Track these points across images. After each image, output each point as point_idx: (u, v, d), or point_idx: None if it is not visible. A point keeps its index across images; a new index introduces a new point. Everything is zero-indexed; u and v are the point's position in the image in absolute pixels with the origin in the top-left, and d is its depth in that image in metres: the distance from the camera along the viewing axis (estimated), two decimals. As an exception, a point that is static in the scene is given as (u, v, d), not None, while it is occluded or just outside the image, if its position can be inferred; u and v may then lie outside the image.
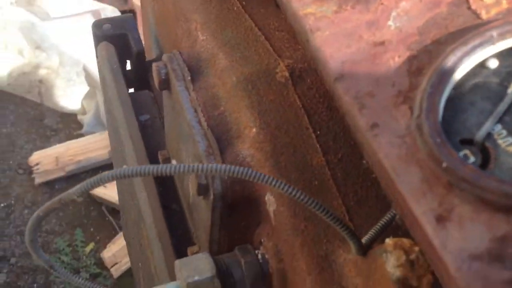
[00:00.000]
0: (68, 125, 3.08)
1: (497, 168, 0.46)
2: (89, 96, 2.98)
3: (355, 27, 0.57)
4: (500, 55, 0.51)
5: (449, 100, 0.51)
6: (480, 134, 0.47)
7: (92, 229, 2.78)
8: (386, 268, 0.55)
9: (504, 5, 0.54)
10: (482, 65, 0.52)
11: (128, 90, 1.08)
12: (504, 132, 0.47)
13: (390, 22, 0.56)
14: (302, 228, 0.68)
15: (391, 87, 0.53)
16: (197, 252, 0.84)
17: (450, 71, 0.50)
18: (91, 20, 2.32)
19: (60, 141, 3.00)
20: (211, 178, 0.72)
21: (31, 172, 2.92)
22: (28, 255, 2.70)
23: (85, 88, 2.96)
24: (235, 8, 0.86)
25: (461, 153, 0.47)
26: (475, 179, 0.43)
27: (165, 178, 0.99)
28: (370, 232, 0.62)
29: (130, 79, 1.12)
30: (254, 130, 0.73)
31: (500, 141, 0.47)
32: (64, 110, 3.04)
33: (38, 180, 2.86)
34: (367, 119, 0.52)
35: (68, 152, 2.89)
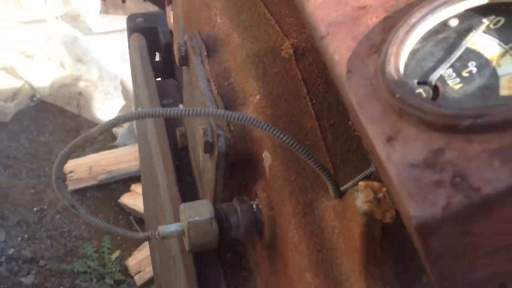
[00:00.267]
0: (103, 137, 3.24)
1: (443, 101, 0.55)
2: (125, 109, 3.14)
3: (344, -4, 0.68)
4: (460, 16, 0.61)
5: (413, 51, 0.61)
6: (433, 76, 0.57)
7: (119, 237, 2.89)
8: (356, 204, 0.65)
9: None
10: (444, 23, 0.62)
11: (155, 77, 1.20)
12: (454, 74, 0.57)
13: (373, -9, 0.67)
14: (292, 179, 0.77)
15: (366, 41, 0.63)
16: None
17: (414, 26, 0.60)
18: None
19: (95, 151, 3.15)
20: (217, 136, 0.83)
21: (64, 180, 3.07)
22: (57, 258, 2.84)
23: (121, 102, 3.13)
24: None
25: (416, 91, 0.57)
26: (420, 105, 0.53)
27: (182, 155, 1.10)
28: (349, 183, 0.71)
29: (158, 69, 1.25)
30: (257, 97, 0.84)
31: (449, 81, 0.57)
32: (101, 122, 3.19)
33: (71, 187, 3.01)
34: (343, 67, 0.62)
35: (101, 162, 3.04)
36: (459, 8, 0.61)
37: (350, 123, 0.79)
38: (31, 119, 3.29)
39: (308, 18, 0.70)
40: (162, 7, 1.27)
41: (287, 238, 0.77)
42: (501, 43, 0.57)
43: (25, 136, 3.24)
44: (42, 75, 3.15)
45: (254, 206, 0.82)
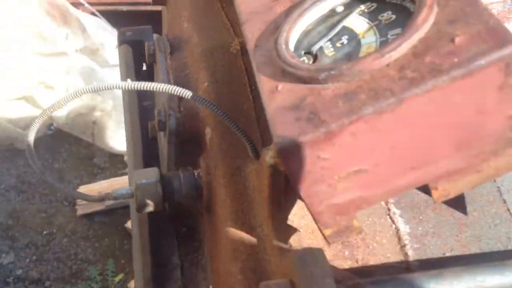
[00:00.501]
0: (115, 165, 3.45)
1: (318, 64, 0.73)
2: (136, 139, 3.35)
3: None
4: (345, 3, 0.79)
5: (306, 31, 0.78)
6: (315, 47, 0.75)
7: (123, 261, 3.06)
8: (265, 159, 0.81)
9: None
10: (333, 10, 0.80)
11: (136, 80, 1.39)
12: (330, 45, 0.74)
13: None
14: (225, 148, 0.95)
15: (273, 24, 0.81)
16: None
17: (306, 10, 0.78)
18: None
19: (106, 178, 3.36)
20: (168, 116, 1.00)
21: (74, 204, 3.27)
22: (62, 279, 3.01)
23: (133, 132, 3.34)
24: (216, 7, 1.17)
25: (301, 58, 0.74)
26: (295, 65, 0.70)
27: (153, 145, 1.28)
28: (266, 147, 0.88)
29: (143, 76, 1.44)
30: (206, 84, 1.02)
31: (325, 51, 0.74)
32: (113, 151, 3.41)
33: (80, 211, 3.20)
34: (252, 43, 0.80)
35: (110, 188, 3.23)
36: (344, -3, 0.79)
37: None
38: (47, 147, 3.52)
39: (236, 9, 0.88)
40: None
41: (217, 195, 0.94)
42: (369, 21, 0.75)
43: (40, 163, 3.45)
44: (60, 104, 3.39)
45: (196, 174, 0.99)
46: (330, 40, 0.75)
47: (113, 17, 3.49)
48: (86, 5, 3.46)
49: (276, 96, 0.71)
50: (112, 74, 3.34)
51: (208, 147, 0.98)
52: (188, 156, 1.04)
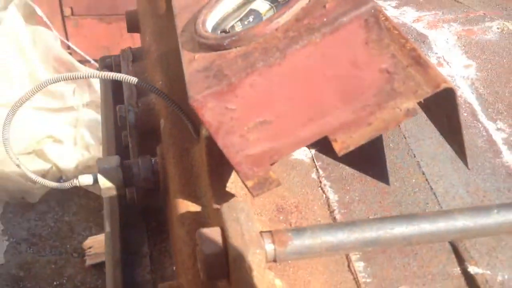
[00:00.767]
0: (122, 215, 3.62)
1: (228, 38, 0.90)
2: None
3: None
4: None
5: (225, 16, 0.96)
6: (227, 25, 0.92)
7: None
8: (202, 133, 0.98)
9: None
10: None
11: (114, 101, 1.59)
12: (240, 24, 0.92)
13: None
14: (175, 134, 1.11)
15: (198, 13, 0.99)
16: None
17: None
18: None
19: (113, 228, 3.52)
20: (127, 111, 1.18)
21: (84, 255, 3.43)
22: (68, 328, 3.14)
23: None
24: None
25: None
26: (207, 37, 0.88)
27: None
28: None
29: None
30: (160, 82, 1.20)
31: (236, 28, 0.92)
32: (120, 201, 3.59)
33: (89, 261, 3.36)
34: (180, 28, 0.98)
35: (117, 236, 3.39)
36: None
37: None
38: (57, 200, 3.72)
39: (172, 5, 1.07)
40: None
41: (169, 174, 1.10)
42: (271, 3, 0.92)
43: (51, 216, 3.65)
44: (69, 158, 3.61)
45: (153, 160, 1.15)
46: (240, 20, 0.93)
47: (118, 72, 3.75)
48: (92, 61, 3.73)
49: (192, 64, 0.88)
50: (117, 125, 3.56)
51: (162, 135, 1.15)
52: (147, 147, 1.21)
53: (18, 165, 1.18)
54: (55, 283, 3.36)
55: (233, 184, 1.03)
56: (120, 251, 1.18)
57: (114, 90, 1.63)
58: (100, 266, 3.40)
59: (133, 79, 1.02)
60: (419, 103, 1.05)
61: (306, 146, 1.12)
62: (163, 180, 1.14)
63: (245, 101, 0.83)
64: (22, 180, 3.58)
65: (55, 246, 3.54)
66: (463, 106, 1.20)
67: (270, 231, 0.90)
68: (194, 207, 1.03)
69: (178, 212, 1.03)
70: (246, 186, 0.92)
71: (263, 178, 0.91)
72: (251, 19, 0.92)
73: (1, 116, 3.24)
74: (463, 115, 1.18)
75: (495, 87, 1.23)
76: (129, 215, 1.29)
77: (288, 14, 0.83)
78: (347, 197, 1.06)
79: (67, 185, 1.16)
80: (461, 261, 0.97)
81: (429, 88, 0.87)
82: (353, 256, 0.98)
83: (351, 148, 0.91)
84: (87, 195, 3.75)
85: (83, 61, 3.76)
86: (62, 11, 3.77)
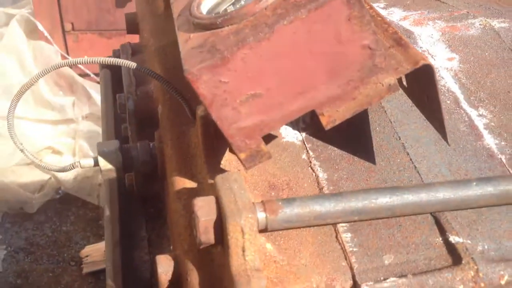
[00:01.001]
0: (119, 225, 3.66)
1: (222, 19, 0.97)
2: (140, 198, 3.58)
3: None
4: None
5: (215, 4, 1.03)
6: (222, 10, 0.99)
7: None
8: (198, 113, 1.04)
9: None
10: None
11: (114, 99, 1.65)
12: (232, 7, 0.98)
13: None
14: (172, 118, 1.17)
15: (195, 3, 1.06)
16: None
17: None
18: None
19: (110, 238, 3.56)
20: (127, 99, 1.24)
21: (81, 264, 3.46)
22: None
23: (137, 191, 3.58)
24: (169, 13, 1.43)
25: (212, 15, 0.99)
26: (201, 17, 0.94)
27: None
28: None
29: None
30: (158, 70, 1.26)
31: (229, 10, 0.98)
32: (117, 212, 3.63)
33: (85, 269, 3.39)
34: (176, 14, 1.05)
35: (115, 245, 3.43)
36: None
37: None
38: (55, 210, 3.76)
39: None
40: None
41: (166, 155, 1.15)
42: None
43: (48, 226, 3.69)
44: (67, 169, 3.66)
45: (151, 144, 1.21)
46: (232, 4, 0.99)
47: (117, 85, 3.83)
48: (92, 75, 3.80)
49: (188, 42, 0.94)
50: (115, 136, 3.62)
51: (160, 121, 1.20)
52: (146, 134, 1.26)
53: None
54: (52, 291, 3.39)
55: (227, 161, 1.08)
56: (119, 233, 1.23)
57: (113, 83, 1.69)
58: (97, 274, 3.43)
59: (132, 64, 1.08)
60: (404, 89, 1.11)
61: (297, 129, 1.18)
62: (161, 162, 1.19)
63: (237, 74, 0.89)
64: (21, 190, 3.63)
65: (52, 255, 3.57)
66: (447, 95, 1.26)
67: (261, 201, 0.96)
68: (190, 184, 1.09)
69: (175, 188, 1.09)
70: (239, 158, 0.97)
71: (255, 150, 0.97)
72: (242, 2, 0.98)
73: (5, 132, 3.27)
74: (446, 102, 1.24)
75: (477, 77, 1.30)
76: (128, 202, 1.34)
77: (277, -6, 0.89)
78: (336, 175, 1.12)
79: (68, 167, 1.21)
80: (442, 232, 1.02)
81: (409, 65, 0.94)
82: (341, 228, 1.03)
83: (337, 122, 0.97)
84: (85, 205, 3.80)
85: (83, 75, 3.83)
86: (63, 27, 3.85)
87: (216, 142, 1.05)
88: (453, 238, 1.01)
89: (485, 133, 1.19)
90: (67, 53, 3.88)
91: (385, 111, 1.22)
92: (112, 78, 1.67)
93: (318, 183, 1.11)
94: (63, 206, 3.79)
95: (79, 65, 3.82)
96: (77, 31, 3.85)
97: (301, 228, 1.02)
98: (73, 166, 1.20)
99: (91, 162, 1.19)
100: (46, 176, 3.70)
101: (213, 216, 0.92)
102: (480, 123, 1.21)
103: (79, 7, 3.75)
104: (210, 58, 0.88)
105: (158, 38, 1.35)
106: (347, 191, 1.00)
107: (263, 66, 0.89)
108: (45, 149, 3.66)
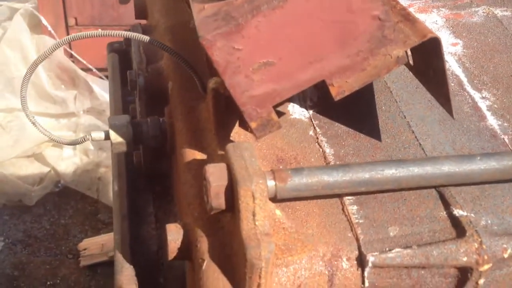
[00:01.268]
0: (118, 219, 3.66)
1: None
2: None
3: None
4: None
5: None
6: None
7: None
8: (209, 85, 1.05)
9: None
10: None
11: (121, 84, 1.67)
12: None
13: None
14: (182, 93, 1.19)
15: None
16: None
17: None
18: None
19: (109, 231, 3.57)
20: (137, 75, 1.26)
21: (78, 257, 3.47)
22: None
23: (136, 186, 3.59)
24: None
25: None
26: None
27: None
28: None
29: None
30: (168, 49, 1.28)
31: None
32: (117, 206, 3.64)
33: (83, 262, 3.40)
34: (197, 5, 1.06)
35: (112, 240, 3.43)
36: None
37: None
38: (54, 203, 3.77)
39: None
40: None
41: (176, 129, 1.17)
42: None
43: (47, 219, 3.70)
44: (68, 162, 3.67)
45: (161, 120, 1.23)
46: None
47: (118, 80, 3.84)
48: (94, 70, 3.82)
49: (202, 12, 0.96)
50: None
51: (170, 97, 1.22)
52: (156, 109, 1.28)
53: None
54: (48, 283, 3.39)
55: (236, 134, 1.10)
56: (127, 208, 1.25)
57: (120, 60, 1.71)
58: (94, 267, 3.44)
59: (145, 38, 1.10)
60: (410, 67, 1.14)
61: (304, 107, 1.20)
62: (171, 136, 1.21)
63: (250, 41, 0.91)
64: (20, 183, 3.64)
65: (50, 248, 3.58)
66: (451, 78, 1.28)
67: (271, 170, 0.98)
68: (200, 156, 1.10)
69: (185, 160, 1.10)
70: (250, 127, 0.99)
71: (266, 119, 0.98)
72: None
73: (5, 124, 3.28)
74: (451, 85, 1.26)
75: (480, 62, 1.32)
76: (135, 179, 1.36)
77: (292, -35, 0.91)
78: (342, 151, 1.14)
79: (80, 140, 1.22)
80: (447, 206, 1.04)
81: (416, 38, 0.96)
82: (347, 201, 1.05)
83: (346, 93, 0.98)
84: (84, 199, 3.81)
85: (86, 69, 3.85)
86: (66, 21, 3.87)
87: (226, 115, 1.07)
88: (457, 212, 1.03)
89: (488, 114, 1.21)
90: (70, 48, 3.90)
91: (390, 91, 1.24)
92: (120, 63, 1.69)
93: (325, 158, 1.13)
94: (62, 199, 3.79)
95: (82, 61, 3.84)
96: (80, 26, 3.87)
97: (308, 200, 1.04)
98: (84, 139, 1.21)
99: (101, 135, 1.20)
100: (45, 169, 3.71)
101: (224, 182, 0.93)
102: (483, 105, 1.23)
103: (82, 3, 3.78)
104: (225, 25, 0.90)
105: (168, 18, 1.37)
106: (354, 163, 1.02)
107: (276, 34, 0.91)
108: (46, 142, 3.67)
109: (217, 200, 0.93)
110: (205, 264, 0.93)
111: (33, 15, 3.87)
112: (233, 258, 0.96)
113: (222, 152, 1.05)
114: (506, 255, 0.99)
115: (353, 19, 0.91)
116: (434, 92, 1.08)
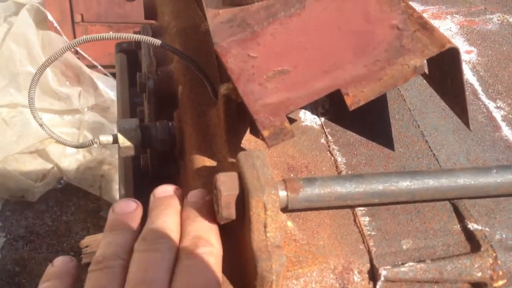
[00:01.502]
0: (120, 217, 3.65)
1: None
2: (142, 191, 3.57)
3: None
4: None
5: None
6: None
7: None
8: (220, 91, 1.03)
9: None
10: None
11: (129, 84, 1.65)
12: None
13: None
14: (193, 98, 1.17)
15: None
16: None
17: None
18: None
19: (111, 229, 3.55)
20: (147, 78, 1.24)
21: (80, 254, 3.45)
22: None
23: (139, 184, 3.57)
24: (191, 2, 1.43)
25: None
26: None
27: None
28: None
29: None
30: (179, 52, 1.25)
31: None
32: (119, 203, 3.62)
33: (84, 260, 3.38)
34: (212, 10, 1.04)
35: (115, 237, 3.41)
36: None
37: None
38: (56, 200, 3.75)
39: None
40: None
41: (185, 134, 1.15)
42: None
43: (49, 216, 3.68)
44: (71, 159, 3.66)
45: (170, 124, 1.20)
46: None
47: (123, 77, 3.82)
48: (99, 67, 3.80)
49: (217, 18, 0.94)
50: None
51: (180, 100, 1.20)
52: (165, 113, 1.26)
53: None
54: (51, 280, 3.37)
55: (247, 141, 1.08)
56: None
57: (129, 61, 1.69)
58: (96, 265, 3.42)
59: (157, 41, 1.08)
60: (424, 76, 1.11)
61: (316, 114, 1.18)
62: (180, 141, 1.18)
63: (266, 49, 0.88)
64: (23, 178, 3.62)
65: (52, 244, 3.56)
66: (466, 86, 1.26)
67: (283, 179, 0.95)
68: (210, 162, 1.08)
69: (195, 167, 1.08)
70: (262, 136, 0.97)
71: (278, 128, 0.96)
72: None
73: (9, 120, 3.26)
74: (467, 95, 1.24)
75: (495, 70, 1.30)
76: (140, 183, 1.34)
77: (310, -29, 0.89)
78: (354, 160, 1.11)
79: (87, 143, 1.20)
80: (461, 219, 1.01)
81: (435, 48, 0.93)
82: (359, 212, 1.02)
83: (362, 102, 0.96)
84: (86, 196, 3.79)
85: (91, 66, 3.83)
86: (72, 18, 3.85)
87: (237, 121, 1.05)
88: (471, 226, 1.00)
89: (503, 124, 1.19)
90: (75, 44, 3.87)
91: (404, 100, 1.21)
92: (129, 64, 1.67)
93: (337, 166, 1.10)
94: (64, 196, 3.78)
95: (88, 57, 3.82)
96: (86, 22, 3.85)
97: (319, 210, 1.01)
98: (92, 142, 1.19)
99: (110, 138, 1.18)
100: (48, 166, 3.69)
101: (236, 192, 0.91)
102: (498, 115, 1.21)
103: (89, -1, 3.76)
104: (240, 32, 0.87)
105: (179, 21, 1.35)
106: (368, 173, 1.00)
107: (292, 42, 0.89)
108: (49, 138, 3.65)
109: (228, 210, 0.91)
110: (214, 275, 0.91)
111: (39, 10, 3.84)
112: (242, 269, 0.93)
113: (233, 160, 1.03)
114: (521, 271, 0.97)
115: (370, 28, 0.88)
116: (449, 102, 1.05)
